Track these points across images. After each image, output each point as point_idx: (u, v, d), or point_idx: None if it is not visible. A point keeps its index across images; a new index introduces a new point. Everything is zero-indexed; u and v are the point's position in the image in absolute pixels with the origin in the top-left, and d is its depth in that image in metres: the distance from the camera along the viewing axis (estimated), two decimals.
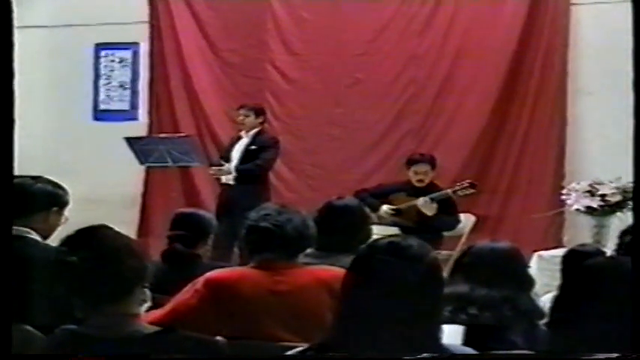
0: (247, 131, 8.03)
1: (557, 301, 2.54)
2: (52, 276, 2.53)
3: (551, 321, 2.56)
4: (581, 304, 2.46)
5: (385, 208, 7.50)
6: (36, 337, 2.99)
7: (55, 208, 3.67)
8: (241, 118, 8.04)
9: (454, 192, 7.43)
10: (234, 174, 7.86)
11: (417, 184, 7.52)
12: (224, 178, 7.98)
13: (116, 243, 2.52)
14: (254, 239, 3.58)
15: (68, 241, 2.52)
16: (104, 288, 2.46)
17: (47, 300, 2.91)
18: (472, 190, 7.47)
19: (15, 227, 3.54)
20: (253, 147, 7.95)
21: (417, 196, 7.45)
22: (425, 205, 7.35)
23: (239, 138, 8.10)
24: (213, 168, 7.95)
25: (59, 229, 3.70)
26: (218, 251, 5.06)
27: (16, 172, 3.71)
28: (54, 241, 3.51)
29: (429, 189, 7.49)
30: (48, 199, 3.67)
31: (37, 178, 3.72)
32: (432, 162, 7.59)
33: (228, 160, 8.01)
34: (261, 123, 8.13)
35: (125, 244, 2.55)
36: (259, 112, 8.15)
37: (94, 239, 2.51)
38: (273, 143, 8.12)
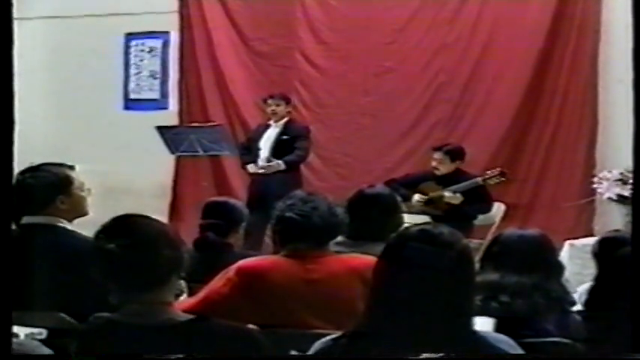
0: (277, 120, 8.04)
1: (592, 291, 2.52)
2: (87, 263, 2.55)
3: (586, 310, 2.55)
4: (616, 294, 2.45)
5: (417, 197, 7.50)
6: (71, 325, 3.02)
7: (61, 196, 3.61)
8: (273, 108, 8.03)
9: (484, 180, 7.42)
10: (283, 167, 7.83)
11: (435, 172, 7.53)
12: (253, 169, 7.98)
13: (154, 232, 2.53)
14: (281, 229, 3.58)
15: (106, 228, 2.54)
16: (140, 276, 2.48)
17: (82, 288, 2.94)
18: (502, 179, 7.45)
19: (42, 217, 3.57)
20: (286, 137, 7.95)
21: (446, 185, 7.44)
22: (451, 197, 7.36)
23: (267, 127, 8.10)
24: (263, 164, 7.90)
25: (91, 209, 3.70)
26: (249, 241, 5.06)
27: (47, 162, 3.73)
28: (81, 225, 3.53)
29: (455, 177, 7.48)
30: (52, 186, 3.60)
31: (38, 168, 3.65)
32: (450, 152, 7.53)
33: (253, 149, 8.01)
34: (289, 112, 8.15)
35: (163, 233, 2.56)
36: (288, 100, 8.18)
37: (132, 227, 2.52)
38: (307, 132, 8.14)
